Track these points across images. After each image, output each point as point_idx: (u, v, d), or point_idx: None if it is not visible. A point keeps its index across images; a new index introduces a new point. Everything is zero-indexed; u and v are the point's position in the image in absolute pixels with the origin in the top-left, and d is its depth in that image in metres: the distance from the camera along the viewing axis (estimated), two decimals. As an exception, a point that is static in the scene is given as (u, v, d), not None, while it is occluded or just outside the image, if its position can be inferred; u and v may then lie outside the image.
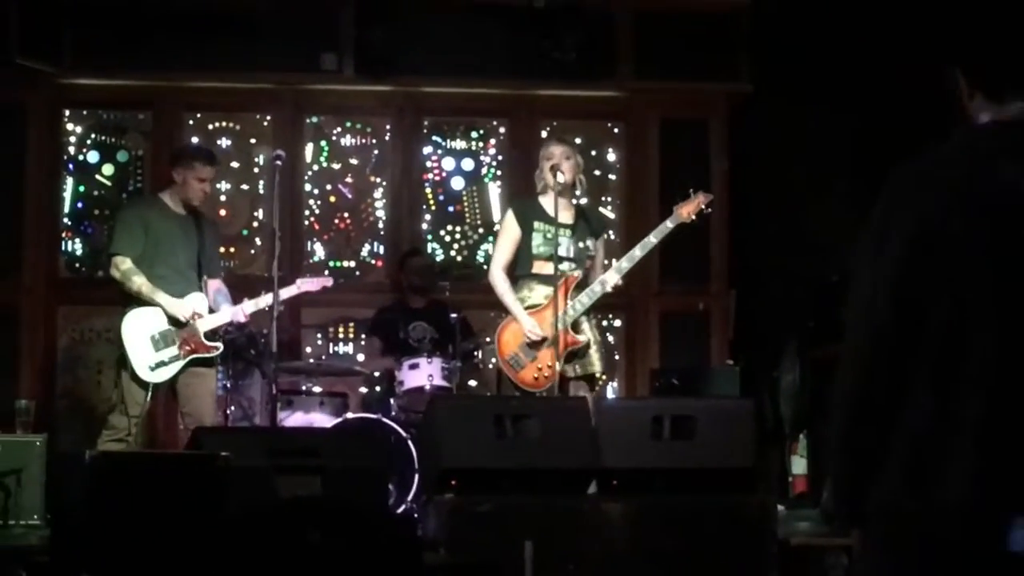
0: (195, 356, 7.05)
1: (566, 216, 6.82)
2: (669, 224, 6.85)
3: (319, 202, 9.53)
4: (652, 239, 6.85)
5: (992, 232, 2.29)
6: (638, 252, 6.84)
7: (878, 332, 2.37)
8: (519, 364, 6.78)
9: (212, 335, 7.13)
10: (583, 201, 7.18)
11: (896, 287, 2.35)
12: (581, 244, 6.85)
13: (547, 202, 6.89)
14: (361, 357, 9.03)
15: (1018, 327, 2.28)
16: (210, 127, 9.47)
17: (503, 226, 7.05)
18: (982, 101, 2.43)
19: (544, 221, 6.85)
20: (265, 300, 7.14)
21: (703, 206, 6.90)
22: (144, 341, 6.97)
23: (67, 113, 9.38)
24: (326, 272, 9.16)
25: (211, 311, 7.13)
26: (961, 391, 2.29)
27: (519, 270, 6.91)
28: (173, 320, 7.01)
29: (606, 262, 7.05)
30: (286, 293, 7.21)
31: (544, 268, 6.82)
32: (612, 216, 9.52)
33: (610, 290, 6.81)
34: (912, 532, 2.32)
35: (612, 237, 9.27)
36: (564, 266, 6.73)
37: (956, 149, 2.42)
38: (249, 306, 7.17)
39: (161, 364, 6.96)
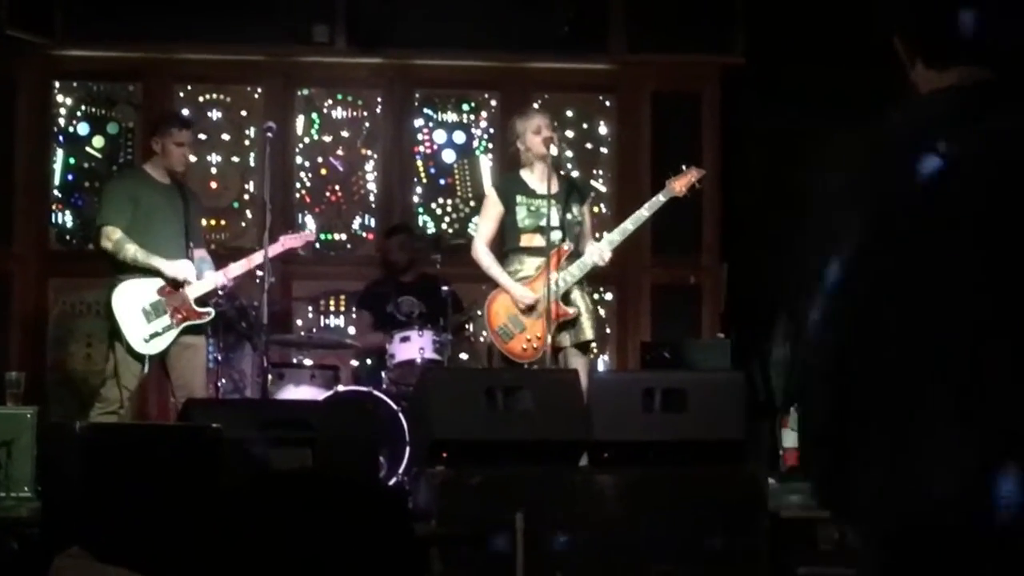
0: (188, 324, 7.06)
1: (551, 186, 6.83)
2: (661, 198, 6.90)
3: (310, 175, 9.51)
4: (644, 212, 6.89)
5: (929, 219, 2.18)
6: (630, 226, 6.88)
7: (845, 341, 2.25)
8: (508, 335, 6.80)
9: (202, 301, 7.13)
10: (575, 173, 7.18)
11: (856, 290, 2.22)
12: (569, 215, 6.87)
13: (529, 175, 6.93)
14: (352, 331, 9.03)
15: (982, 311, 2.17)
16: (200, 99, 9.43)
17: (486, 203, 7.11)
18: (922, 69, 2.33)
19: (526, 195, 6.89)
20: (247, 262, 7.21)
21: (695, 181, 6.95)
22: (136, 314, 6.97)
23: (57, 85, 9.34)
24: (317, 245, 9.14)
25: (198, 278, 7.14)
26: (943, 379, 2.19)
27: (507, 245, 6.94)
28: (162, 290, 7.01)
29: (597, 236, 7.05)
30: (271, 251, 7.22)
31: (532, 241, 6.85)
32: (604, 189, 9.51)
33: (601, 263, 6.83)
34: (903, 525, 2.26)
35: (604, 210, 9.27)
36: (552, 236, 6.74)
37: (894, 129, 2.31)
38: (233, 269, 7.20)
39: (155, 335, 6.98)
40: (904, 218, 2.19)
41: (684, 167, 6.98)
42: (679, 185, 6.91)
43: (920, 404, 2.21)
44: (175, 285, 7.02)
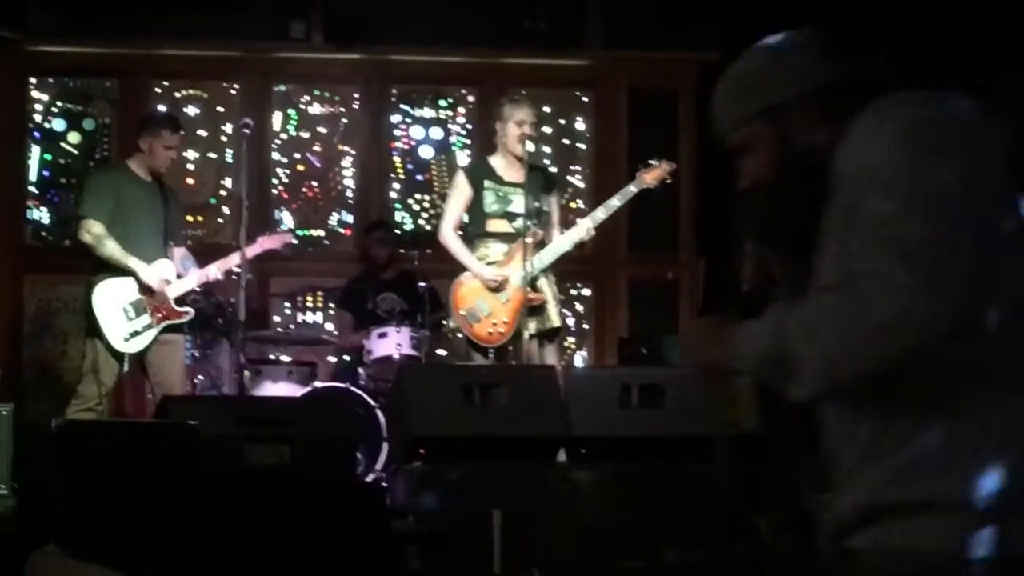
0: (167, 323, 7.05)
1: (519, 175, 6.91)
2: (632, 188, 7.05)
3: (287, 171, 9.50)
4: (615, 201, 7.02)
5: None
6: (600, 214, 7.01)
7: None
8: (474, 318, 6.87)
9: (182, 301, 7.13)
10: (552, 169, 7.23)
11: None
12: (537, 203, 6.94)
13: (498, 161, 7.03)
14: (330, 327, 9.02)
15: None
16: (177, 95, 9.41)
17: (453, 187, 7.19)
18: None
19: (494, 180, 6.97)
20: (231, 260, 7.20)
21: (666, 175, 7.08)
22: (116, 312, 6.96)
23: (33, 81, 9.31)
24: (294, 242, 9.12)
25: (179, 277, 7.14)
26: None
27: (474, 229, 7.03)
28: (142, 288, 7.00)
29: (574, 221, 7.16)
30: (249, 252, 7.22)
31: (499, 226, 6.95)
32: (581, 185, 9.53)
33: (571, 248, 6.92)
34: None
35: (581, 205, 9.28)
36: (519, 223, 6.85)
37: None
38: (214, 268, 7.19)
39: (135, 334, 6.98)
40: None
41: (655, 161, 7.12)
42: (650, 177, 7.06)
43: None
44: (149, 290, 7.00)
